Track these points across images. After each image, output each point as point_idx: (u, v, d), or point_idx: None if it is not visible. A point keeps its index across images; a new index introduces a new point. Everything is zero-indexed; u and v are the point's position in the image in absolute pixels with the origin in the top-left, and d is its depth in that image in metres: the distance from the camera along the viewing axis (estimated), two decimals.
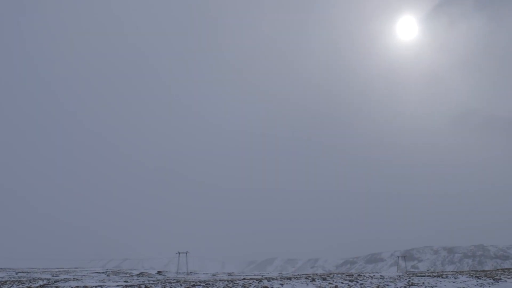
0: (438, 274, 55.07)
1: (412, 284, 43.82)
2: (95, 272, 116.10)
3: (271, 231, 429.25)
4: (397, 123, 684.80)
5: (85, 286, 48.53)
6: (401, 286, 42.91)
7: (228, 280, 44.96)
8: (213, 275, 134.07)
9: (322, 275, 50.56)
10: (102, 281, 58.85)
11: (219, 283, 41.19)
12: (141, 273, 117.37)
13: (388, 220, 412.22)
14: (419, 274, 55.81)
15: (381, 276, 48.73)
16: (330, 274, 55.38)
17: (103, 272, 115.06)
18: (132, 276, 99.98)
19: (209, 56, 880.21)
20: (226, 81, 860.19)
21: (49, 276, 73.98)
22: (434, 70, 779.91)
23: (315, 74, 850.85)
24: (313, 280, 44.75)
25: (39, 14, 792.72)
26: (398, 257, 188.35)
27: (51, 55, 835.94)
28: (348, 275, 51.29)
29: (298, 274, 59.84)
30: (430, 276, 53.79)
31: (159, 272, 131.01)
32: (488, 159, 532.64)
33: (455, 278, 52.20)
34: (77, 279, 60.44)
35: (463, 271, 61.71)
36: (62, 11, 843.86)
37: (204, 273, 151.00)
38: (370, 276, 48.43)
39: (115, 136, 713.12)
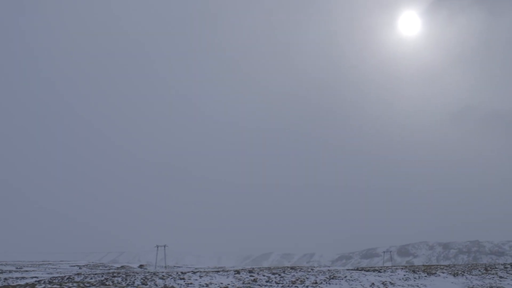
0: (376, 268, 55.62)
1: (334, 277, 44.47)
2: (76, 265, 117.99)
3: (268, 226, 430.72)
4: (397, 119, 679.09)
5: (23, 277, 50.00)
6: (321, 279, 43.59)
7: (149, 272, 46.08)
8: (195, 269, 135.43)
9: (250, 269, 51.58)
10: (51, 273, 60.29)
11: (139, 275, 42.24)
12: (122, 266, 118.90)
13: (385, 215, 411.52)
14: (360, 269, 56.39)
15: (311, 268, 49.46)
16: (259, 267, 56.30)
17: (82, 265, 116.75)
18: (110, 269, 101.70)
19: (209, 53, 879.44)
20: (225, 76, 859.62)
21: (13, 268, 75.76)
22: (434, 65, 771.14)
23: (316, 69, 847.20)
24: (238, 273, 45.65)
25: (39, 13, 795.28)
26: (390, 252, 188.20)
27: (53, 53, 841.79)
28: (290, 268, 52.05)
29: (232, 268, 60.79)
30: (368, 270, 54.32)
31: (141, 266, 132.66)
32: (486, 155, 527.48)
33: (392, 272, 52.73)
34: (26, 271, 62.03)
35: (404, 266, 62.21)
36: (62, 10, 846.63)
37: (187, 267, 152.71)
38: (300, 268, 49.20)
39: (116, 133, 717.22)
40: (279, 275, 44.36)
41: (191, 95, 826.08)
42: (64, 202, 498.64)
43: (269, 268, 50.84)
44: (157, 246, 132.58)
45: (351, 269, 53.24)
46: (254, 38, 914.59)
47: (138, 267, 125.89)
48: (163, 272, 47.36)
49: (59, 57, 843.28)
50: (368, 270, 53.58)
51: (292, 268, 51.21)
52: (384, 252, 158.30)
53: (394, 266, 64.37)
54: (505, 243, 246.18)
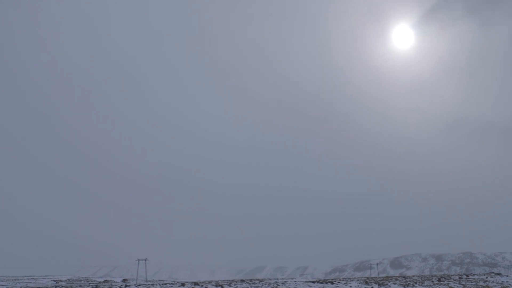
0: (329, 281, 56.02)
1: None
2: (57, 280, 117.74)
3: (262, 239, 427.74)
4: (390, 131, 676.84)
5: None
6: None
7: (91, 286, 46.57)
8: (181, 284, 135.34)
9: (196, 282, 52.17)
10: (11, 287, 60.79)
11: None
12: (105, 280, 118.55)
13: (378, 227, 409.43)
14: (317, 281, 56.77)
15: (260, 280, 49.92)
16: (208, 280, 56.84)
17: (64, 280, 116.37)
18: (92, 283, 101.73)
19: (202, 64, 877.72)
20: (218, 87, 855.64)
21: None
22: (427, 76, 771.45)
23: (308, 81, 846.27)
24: (183, 285, 46.21)
25: (31, 15, 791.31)
26: (377, 264, 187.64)
27: (46, 59, 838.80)
28: (240, 280, 52.55)
29: (177, 280, 61.40)
30: (323, 282, 54.70)
31: (124, 280, 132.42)
32: (480, 167, 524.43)
33: (345, 284, 53.10)
34: None
35: (359, 278, 62.55)
36: (54, 13, 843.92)
37: (171, 281, 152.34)
38: (249, 281, 49.69)
39: (111, 143, 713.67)
40: (222, 287, 44.90)
41: (183, 105, 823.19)
42: (58, 213, 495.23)
43: (217, 281, 51.38)
44: (138, 260, 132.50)
45: (303, 281, 53.65)
46: (246, 49, 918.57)
47: (122, 281, 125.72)
48: (105, 285, 47.97)
49: (53, 63, 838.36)
50: (321, 282, 53.94)
51: (242, 280, 51.74)
52: (371, 264, 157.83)
53: (351, 278, 64.76)
54: (498, 254, 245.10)
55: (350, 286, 48.97)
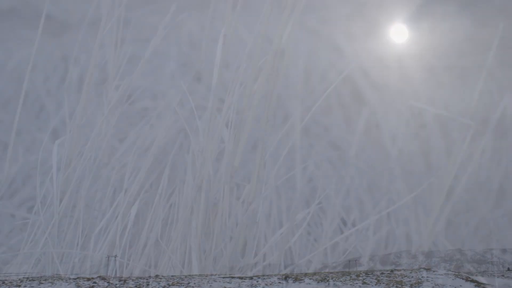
0: (248, 276, 56.23)
1: (177, 284, 45.28)
2: (27, 277, 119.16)
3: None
4: (384, 128, 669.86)
5: None
6: (163, 285, 44.44)
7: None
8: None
9: (120, 277, 52.65)
10: None
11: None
12: (78, 277, 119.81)
13: (368, 224, 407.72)
14: (236, 276, 57.06)
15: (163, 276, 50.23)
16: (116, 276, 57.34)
17: (36, 278, 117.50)
18: (66, 280, 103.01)
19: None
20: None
21: None
22: (423, 73, 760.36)
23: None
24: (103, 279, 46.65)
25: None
26: (356, 260, 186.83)
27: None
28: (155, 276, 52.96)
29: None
30: (242, 278, 54.91)
31: (99, 277, 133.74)
32: (474, 164, 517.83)
33: (264, 279, 53.26)
34: None
35: (281, 274, 62.68)
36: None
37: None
38: (160, 277, 50.08)
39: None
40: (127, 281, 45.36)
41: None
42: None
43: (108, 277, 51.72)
44: (108, 257, 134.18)
45: (216, 275, 53.99)
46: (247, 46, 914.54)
47: (97, 277, 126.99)
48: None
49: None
50: (240, 278, 54.17)
51: (156, 276, 52.17)
52: (351, 260, 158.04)
53: (273, 274, 64.92)
54: (487, 251, 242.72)
55: (257, 281, 49.18)
